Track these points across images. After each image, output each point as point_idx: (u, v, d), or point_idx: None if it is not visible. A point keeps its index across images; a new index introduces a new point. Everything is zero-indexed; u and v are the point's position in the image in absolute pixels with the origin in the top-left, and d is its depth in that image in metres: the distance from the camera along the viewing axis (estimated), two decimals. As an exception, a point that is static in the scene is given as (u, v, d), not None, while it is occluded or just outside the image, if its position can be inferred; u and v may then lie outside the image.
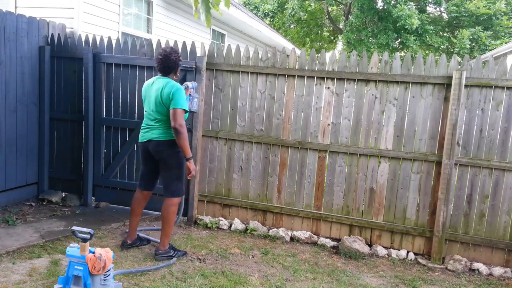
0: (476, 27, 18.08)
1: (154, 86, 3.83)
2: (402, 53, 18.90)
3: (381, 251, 4.43)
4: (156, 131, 3.82)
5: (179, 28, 8.21)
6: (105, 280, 2.86)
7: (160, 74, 3.88)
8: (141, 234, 4.36)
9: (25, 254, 3.78)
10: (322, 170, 4.67)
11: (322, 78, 4.58)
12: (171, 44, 4.98)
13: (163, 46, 4.67)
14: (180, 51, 4.94)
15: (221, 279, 3.60)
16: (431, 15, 20.57)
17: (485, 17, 18.11)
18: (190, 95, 4.36)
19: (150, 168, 4.02)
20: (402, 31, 17.41)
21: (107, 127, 5.26)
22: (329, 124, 4.61)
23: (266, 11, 22.83)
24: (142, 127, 3.95)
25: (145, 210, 5.19)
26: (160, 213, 5.15)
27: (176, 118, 3.64)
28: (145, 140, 3.88)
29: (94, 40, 5.20)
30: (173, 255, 3.91)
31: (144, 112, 3.96)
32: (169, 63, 3.79)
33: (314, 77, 4.60)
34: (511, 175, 4.17)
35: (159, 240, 4.02)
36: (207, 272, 3.69)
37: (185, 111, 3.74)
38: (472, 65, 4.20)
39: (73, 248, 2.82)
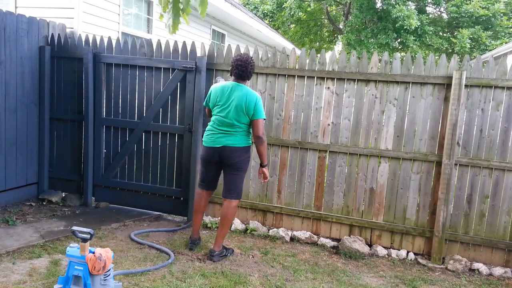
0: (476, 27, 18.09)
1: (234, 93, 3.85)
2: (402, 53, 18.91)
3: (381, 251, 4.43)
4: (233, 138, 3.86)
5: (180, 27, 8.21)
6: (105, 280, 2.85)
7: (236, 80, 3.92)
8: (136, 239, 4.38)
9: (25, 254, 3.78)
10: (322, 170, 4.67)
11: (322, 78, 4.58)
12: (171, 44, 4.98)
13: (241, 52, 4.65)
14: (180, 51, 4.94)
15: (221, 279, 3.59)
16: (430, 15, 20.57)
17: (485, 18, 18.13)
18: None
19: (215, 172, 4.08)
20: (402, 31, 17.43)
21: (107, 127, 5.26)
22: (329, 124, 4.61)
23: (265, 11, 22.83)
24: (211, 131, 3.93)
25: (145, 210, 5.21)
26: (159, 213, 5.18)
27: (260, 128, 3.82)
28: (218, 146, 3.89)
29: (94, 40, 5.20)
30: (226, 254, 4.04)
31: (214, 116, 3.95)
32: (248, 69, 3.87)
33: (314, 77, 4.60)
34: (511, 175, 4.17)
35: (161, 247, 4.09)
36: (207, 272, 3.69)
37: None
38: (472, 65, 4.20)
39: (73, 248, 2.82)
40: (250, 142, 3.98)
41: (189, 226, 4.79)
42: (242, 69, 3.85)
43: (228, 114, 3.85)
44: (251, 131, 3.94)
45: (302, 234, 4.65)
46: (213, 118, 3.97)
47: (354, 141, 4.55)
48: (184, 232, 4.67)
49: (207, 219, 4.93)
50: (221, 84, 4.01)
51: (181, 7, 2.55)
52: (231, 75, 3.97)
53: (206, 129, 4.02)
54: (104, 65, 5.16)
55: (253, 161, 4.85)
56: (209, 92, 4.05)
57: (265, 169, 4.01)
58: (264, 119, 3.89)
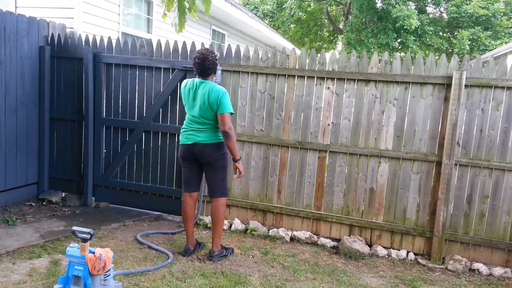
0: (476, 28, 18.10)
1: (199, 91, 3.82)
2: (402, 53, 18.91)
3: (381, 251, 4.43)
4: (203, 134, 3.84)
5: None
6: (105, 280, 2.85)
7: (200, 77, 3.87)
8: (141, 239, 4.38)
9: (25, 254, 3.78)
10: (322, 170, 4.67)
11: (322, 78, 4.58)
12: (171, 44, 4.98)
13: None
14: (180, 51, 4.94)
15: (221, 279, 3.59)
16: (430, 15, 20.58)
17: (485, 17, 18.14)
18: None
19: (195, 171, 4.03)
20: (402, 31, 17.43)
21: (107, 127, 5.26)
22: (329, 124, 4.61)
23: (266, 11, 22.84)
24: (184, 130, 3.94)
25: (145, 210, 5.21)
26: (159, 213, 5.18)
27: (226, 122, 3.72)
28: (190, 143, 3.88)
29: (94, 40, 5.20)
30: (226, 254, 4.03)
31: (186, 115, 3.95)
32: (208, 65, 3.79)
33: (314, 77, 4.60)
34: (511, 175, 4.17)
35: (161, 248, 4.08)
36: (207, 272, 3.69)
37: (231, 114, 3.80)
38: (472, 65, 4.20)
39: (73, 248, 2.82)
40: (222, 138, 3.86)
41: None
42: (201, 65, 3.78)
43: (195, 112, 3.84)
44: None
45: (302, 234, 4.65)
46: (186, 116, 3.98)
47: (354, 141, 4.55)
48: (185, 232, 4.66)
49: (207, 219, 4.93)
50: (187, 82, 3.96)
51: (187, 5, 2.54)
52: (194, 72, 3.92)
53: (182, 127, 4.01)
54: (104, 65, 5.16)
55: (253, 161, 4.85)
56: (181, 90, 4.03)
57: (237, 164, 3.88)
58: (232, 113, 3.78)
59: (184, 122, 3.98)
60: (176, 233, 4.64)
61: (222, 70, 4.84)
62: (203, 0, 2.54)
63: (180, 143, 4.01)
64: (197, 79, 3.90)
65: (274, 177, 4.81)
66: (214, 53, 3.86)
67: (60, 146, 5.45)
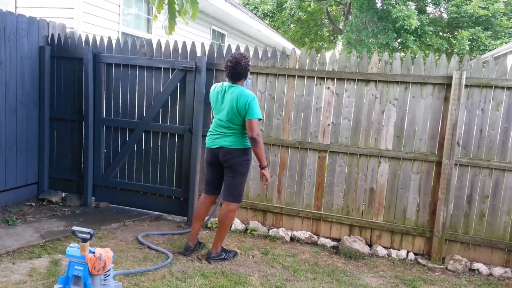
0: (476, 28, 18.10)
1: (227, 95, 3.79)
2: (402, 54, 18.92)
3: (381, 251, 4.43)
4: (229, 139, 3.80)
5: (179, 28, 8.16)
6: (105, 280, 2.85)
7: (230, 81, 3.83)
8: (145, 241, 4.37)
9: (25, 254, 3.78)
10: (322, 170, 4.67)
11: (322, 78, 4.58)
12: (171, 44, 4.98)
13: (241, 52, 4.61)
14: (180, 51, 4.94)
15: (221, 279, 3.59)
16: (430, 15, 20.58)
17: (484, 18, 18.14)
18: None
19: (217, 174, 4.00)
20: (402, 31, 17.44)
21: (107, 127, 5.25)
22: (329, 124, 4.61)
23: (266, 11, 22.83)
24: (211, 133, 3.92)
25: (145, 210, 5.21)
26: (159, 213, 5.18)
27: (254, 128, 3.67)
28: (215, 147, 3.86)
29: (94, 40, 5.20)
30: (225, 257, 3.98)
31: (213, 118, 3.94)
32: (240, 69, 3.75)
33: (314, 77, 4.60)
34: (511, 175, 4.17)
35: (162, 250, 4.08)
36: (207, 272, 3.69)
37: (259, 119, 3.75)
38: (472, 65, 4.20)
39: (73, 248, 2.82)
40: (249, 144, 3.84)
41: (189, 226, 4.78)
42: (233, 69, 3.75)
43: (223, 116, 3.82)
44: None
45: (302, 234, 4.65)
46: (213, 119, 3.97)
47: (354, 141, 4.55)
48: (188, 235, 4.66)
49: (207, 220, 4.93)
50: (216, 85, 3.96)
51: (177, 8, 2.55)
52: (225, 76, 3.91)
53: (208, 131, 4.00)
54: (104, 65, 5.16)
55: (253, 161, 4.84)
56: (210, 94, 4.03)
57: (264, 171, 3.87)
58: (260, 119, 3.75)
59: (211, 126, 3.96)
60: (184, 233, 4.61)
61: (222, 70, 4.83)
62: (190, 5, 2.55)
63: (205, 147, 3.98)
64: (226, 83, 3.87)
65: (274, 177, 4.81)
66: (247, 58, 3.82)
67: (60, 146, 5.45)
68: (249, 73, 4.11)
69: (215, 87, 3.95)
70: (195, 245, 4.12)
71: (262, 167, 3.87)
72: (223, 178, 4.00)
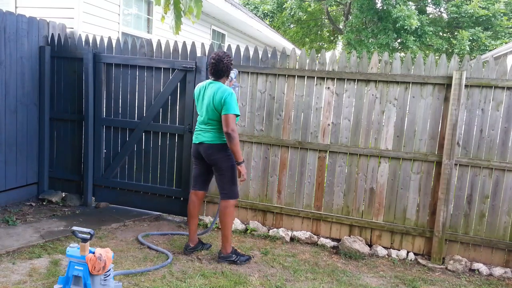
0: (476, 28, 18.10)
1: (207, 92, 3.85)
2: (402, 54, 18.92)
3: (381, 251, 4.43)
4: (208, 134, 3.85)
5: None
6: (105, 280, 2.85)
7: (212, 78, 3.88)
8: (145, 241, 4.37)
9: (25, 254, 3.78)
10: (322, 170, 4.67)
11: (322, 78, 4.58)
12: (171, 44, 4.98)
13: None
14: (180, 51, 4.94)
15: (221, 279, 3.59)
16: (431, 15, 20.58)
17: (485, 18, 18.15)
18: (233, 85, 4.23)
19: (202, 169, 4.05)
20: (402, 31, 17.44)
21: (107, 127, 5.25)
22: (329, 124, 4.61)
23: (266, 11, 22.83)
24: (195, 129, 3.99)
25: (145, 210, 5.21)
26: (159, 213, 5.18)
27: (228, 124, 3.67)
28: (197, 142, 3.93)
29: (94, 40, 5.20)
30: (235, 259, 3.93)
31: (198, 115, 3.99)
32: (222, 67, 3.79)
33: (314, 77, 4.60)
34: (511, 175, 4.17)
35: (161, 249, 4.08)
36: (207, 272, 3.69)
37: (237, 116, 3.74)
38: (472, 65, 4.20)
39: (73, 248, 2.82)
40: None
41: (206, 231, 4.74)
42: (215, 67, 3.79)
43: (202, 112, 3.88)
44: None
45: (302, 234, 4.65)
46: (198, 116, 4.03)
47: (354, 141, 4.55)
48: (185, 232, 4.66)
49: (207, 219, 4.93)
50: (200, 84, 4.01)
51: (183, 8, 2.56)
52: (208, 73, 3.94)
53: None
54: (104, 65, 5.16)
55: (253, 161, 4.85)
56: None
57: (240, 167, 3.82)
58: (237, 115, 3.71)
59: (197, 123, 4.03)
60: (185, 234, 4.59)
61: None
62: (195, 4, 2.56)
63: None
64: (208, 81, 3.93)
65: (274, 177, 4.81)
66: (230, 57, 3.86)
67: (60, 146, 5.45)
68: (235, 80, 4.20)
69: (199, 85, 4.01)
70: (196, 245, 4.12)
71: (238, 163, 3.84)
72: (209, 173, 4.07)
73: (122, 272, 3.50)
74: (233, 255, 3.95)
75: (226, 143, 3.82)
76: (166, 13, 2.72)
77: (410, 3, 18.63)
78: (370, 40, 18.65)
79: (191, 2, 2.52)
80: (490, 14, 18.03)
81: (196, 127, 4.00)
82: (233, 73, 4.15)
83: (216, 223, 4.74)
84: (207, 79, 4.83)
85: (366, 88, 4.48)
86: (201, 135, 3.90)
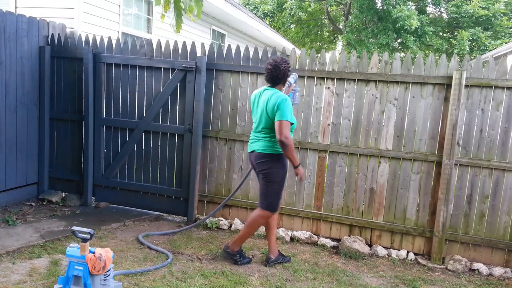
0: (476, 28, 18.10)
1: (261, 98, 3.73)
2: (402, 54, 18.92)
3: (381, 251, 4.43)
4: (260, 143, 3.72)
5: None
6: (105, 280, 2.85)
7: (268, 85, 3.76)
8: (145, 241, 4.36)
9: (25, 254, 3.78)
10: (322, 170, 4.67)
11: (322, 78, 4.58)
12: (171, 44, 4.98)
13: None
14: (180, 51, 4.94)
15: (221, 279, 3.59)
16: (431, 15, 20.58)
17: (485, 18, 18.15)
18: (293, 90, 3.96)
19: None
20: (402, 31, 17.44)
21: (107, 127, 5.26)
22: (329, 124, 4.61)
23: (266, 11, 22.83)
24: (250, 137, 3.88)
25: (145, 210, 5.21)
26: (159, 213, 5.18)
27: (282, 131, 3.49)
28: (250, 151, 3.83)
29: (94, 40, 5.20)
30: (243, 260, 3.91)
31: (253, 122, 3.87)
32: (279, 73, 3.65)
33: (314, 77, 4.60)
34: (511, 175, 4.17)
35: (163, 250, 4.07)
36: (207, 272, 3.69)
37: (291, 124, 3.58)
38: (472, 65, 4.20)
39: (73, 248, 2.82)
40: (280, 150, 3.65)
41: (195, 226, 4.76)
42: (272, 73, 3.67)
43: (256, 120, 3.76)
44: None
45: (302, 234, 4.64)
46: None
47: (354, 141, 4.55)
48: (185, 232, 4.66)
49: (207, 220, 4.92)
50: (256, 90, 3.88)
51: (183, 6, 2.56)
52: (265, 79, 3.78)
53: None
54: (104, 65, 5.16)
55: (253, 161, 4.84)
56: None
57: (297, 170, 3.71)
58: (291, 122, 3.55)
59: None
60: (184, 230, 4.61)
61: (222, 70, 4.83)
62: (195, 3, 2.56)
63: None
64: (263, 87, 3.81)
65: (274, 177, 4.80)
66: (288, 63, 3.72)
67: (60, 146, 5.45)
68: (294, 84, 3.90)
69: (254, 92, 3.88)
70: (276, 257, 4.00)
71: (295, 167, 3.71)
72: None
73: (122, 272, 3.49)
74: (237, 255, 3.92)
75: (279, 153, 3.67)
76: (166, 12, 2.72)
77: (410, 3, 18.62)
78: (370, 40, 18.64)
79: (192, 1, 2.53)
80: (490, 14, 18.02)
81: (250, 135, 3.89)
82: (292, 78, 3.90)
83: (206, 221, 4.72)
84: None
85: (366, 88, 4.48)
86: (254, 143, 3.77)
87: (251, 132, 3.88)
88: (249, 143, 3.89)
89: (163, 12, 2.79)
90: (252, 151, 3.80)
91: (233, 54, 4.82)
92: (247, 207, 4.91)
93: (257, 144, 3.75)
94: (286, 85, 3.81)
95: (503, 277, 4.07)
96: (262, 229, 4.75)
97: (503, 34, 18.58)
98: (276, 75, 3.67)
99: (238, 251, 3.94)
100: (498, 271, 4.12)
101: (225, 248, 3.96)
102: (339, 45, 26.38)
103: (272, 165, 3.70)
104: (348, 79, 4.51)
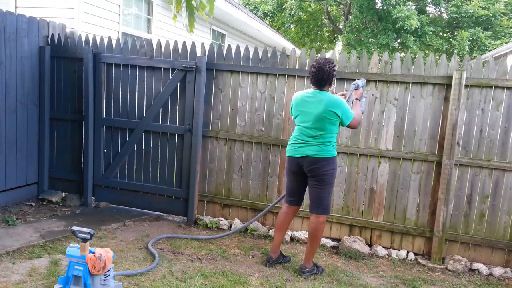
0: (476, 28, 18.10)
1: (313, 101, 3.66)
2: (402, 54, 18.92)
3: (381, 251, 4.43)
4: (314, 148, 3.66)
5: (179, 28, 8.21)
6: (105, 280, 2.85)
7: (315, 88, 3.70)
8: (151, 246, 4.35)
9: (25, 254, 3.78)
10: (322, 170, 4.66)
11: (322, 78, 4.57)
12: (171, 44, 4.98)
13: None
14: (180, 51, 4.94)
15: (221, 279, 3.59)
16: (431, 15, 20.58)
17: (485, 18, 18.15)
18: (363, 96, 3.97)
19: (300, 184, 3.88)
20: (402, 32, 17.44)
21: (107, 127, 5.25)
22: (329, 124, 4.60)
23: (266, 11, 22.84)
24: (293, 141, 3.78)
25: (145, 210, 5.21)
26: (159, 213, 5.18)
27: (356, 126, 3.78)
28: (299, 156, 3.72)
29: (94, 40, 5.20)
30: (317, 272, 3.86)
31: (297, 126, 3.79)
32: (324, 75, 3.60)
33: (314, 77, 4.59)
34: (511, 175, 4.17)
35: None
36: (207, 272, 3.69)
37: (356, 118, 3.73)
38: (472, 65, 4.20)
39: (73, 248, 2.82)
40: (335, 152, 3.71)
41: (189, 226, 4.78)
42: (317, 75, 3.62)
43: (307, 123, 3.69)
44: (334, 140, 3.73)
45: (302, 234, 4.64)
46: (296, 127, 3.81)
47: (354, 141, 4.55)
48: (185, 232, 4.66)
49: (207, 219, 4.93)
50: (299, 93, 3.81)
51: (195, 5, 2.55)
52: (310, 82, 3.74)
53: (289, 139, 3.86)
54: (104, 65, 5.16)
55: (253, 161, 4.85)
56: (292, 101, 3.86)
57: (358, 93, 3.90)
58: (361, 113, 3.82)
59: (293, 134, 3.82)
60: (219, 237, 4.48)
61: (222, 70, 4.83)
62: (207, 0, 2.54)
63: (287, 155, 3.85)
64: (311, 90, 3.75)
65: (274, 177, 4.81)
66: (332, 63, 3.66)
67: (60, 146, 5.45)
68: (362, 88, 3.94)
69: (298, 95, 3.80)
70: (278, 257, 4.00)
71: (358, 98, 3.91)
72: (305, 187, 3.90)
73: (121, 273, 3.49)
74: (315, 268, 3.87)
75: (333, 156, 3.71)
76: (178, 12, 2.70)
77: (410, 3, 18.62)
78: (370, 40, 18.64)
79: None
80: (490, 14, 18.02)
81: (293, 139, 3.79)
82: (360, 82, 3.90)
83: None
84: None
85: (366, 88, 4.48)
86: (305, 148, 3.69)
87: (297, 136, 3.76)
88: (294, 147, 3.77)
89: (174, 13, 2.76)
90: (304, 156, 3.71)
91: (233, 54, 4.82)
92: (247, 207, 4.91)
93: (310, 148, 3.67)
94: (353, 86, 3.86)
95: (503, 277, 4.07)
96: (262, 229, 4.76)
97: (503, 34, 18.58)
98: (321, 77, 3.61)
99: (313, 265, 3.88)
100: (498, 271, 4.12)
101: (303, 270, 3.81)
102: (339, 45, 26.38)
103: (328, 168, 3.69)
104: (348, 79, 4.51)
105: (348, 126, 3.74)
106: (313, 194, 3.79)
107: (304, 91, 3.81)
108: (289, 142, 3.86)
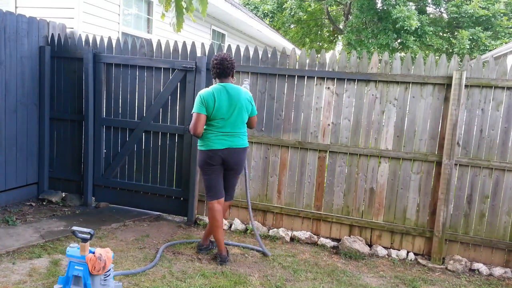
0: (476, 28, 18.11)
1: (232, 94, 3.77)
2: (402, 54, 18.93)
3: (381, 251, 4.43)
4: (240, 139, 3.88)
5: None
6: (105, 280, 2.85)
7: (219, 80, 3.84)
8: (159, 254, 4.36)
9: (25, 254, 3.78)
10: (322, 170, 4.67)
11: (322, 78, 4.58)
12: (171, 44, 4.98)
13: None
14: (180, 51, 4.94)
15: (221, 279, 3.59)
16: (431, 15, 20.58)
17: (485, 18, 18.16)
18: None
19: (221, 176, 3.95)
20: (402, 32, 17.45)
21: (107, 127, 5.25)
22: (329, 124, 4.61)
23: (266, 11, 22.84)
24: (215, 135, 3.77)
25: (145, 210, 5.21)
26: (159, 213, 5.18)
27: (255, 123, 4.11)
28: (231, 147, 3.80)
29: (94, 40, 5.20)
30: (212, 247, 4.17)
31: (214, 121, 3.76)
32: (227, 64, 3.79)
33: (314, 77, 4.60)
34: (511, 175, 4.17)
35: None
36: (207, 272, 3.69)
37: None
38: (472, 65, 4.20)
39: (73, 248, 2.82)
40: (204, 147, 3.86)
41: (189, 226, 4.78)
42: (221, 65, 3.78)
43: (232, 116, 3.80)
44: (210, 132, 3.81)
45: (302, 234, 4.64)
46: (213, 123, 3.77)
47: (354, 141, 4.55)
48: (185, 232, 4.66)
49: (207, 219, 4.91)
50: (208, 90, 3.79)
51: (184, 5, 2.54)
52: (213, 75, 3.86)
53: (207, 135, 3.80)
54: (104, 65, 5.16)
55: (253, 161, 4.85)
56: (200, 99, 3.75)
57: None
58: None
59: (211, 129, 3.78)
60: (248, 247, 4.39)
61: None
62: (200, 2, 2.54)
63: (208, 149, 3.79)
64: (218, 84, 3.81)
65: (274, 177, 4.81)
66: (231, 57, 3.93)
67: (60, 146, 5.45)
68: (246, 80, 4.41)
69: (213, 89, 3.78)
70: (207, 245, 4.25)
71: None
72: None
73: (121, 273, 3.49)
74: (203, 245, 4.16)
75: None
76: (166, 11, 2.70)
77: (410, 3, 18.63)
78: (370, 40, 18.65)
79: (196, 1, 2.51)
80: (490, 14, 18.03)
81: (215, 132, 3.77)
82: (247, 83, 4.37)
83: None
84: (207, 79, 4.85)
85: (366, 88, 4.48)
86: (236, 139, 3.83)
87: (222, 129, 3.77)
88: (218, 141, 3.77)
89: (163, 12, 2.77)
90: (235, 148, 3.84)
91: (233, 54, 4.82)
92: (247, 207, 4.89)
93: (242, 139, 3.90)
94: (243, 86, 4.17)
95: (503, 277, 4.07)
96: (263, 229, 4.76)
97: (503, 34, 18.59)
98: (226, 66, 3.80)
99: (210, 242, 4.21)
100: (498, 271, 4.12)
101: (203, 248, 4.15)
102: (339, 45, 26.39)
103: (245, 156, 4.01)
104: (348, 79, 4.51)
105: (255, 119, 4.10)
106: (233, 183, 4.11)
107: (211, 88, 3.82)
108: (211, 137, 3.82)
